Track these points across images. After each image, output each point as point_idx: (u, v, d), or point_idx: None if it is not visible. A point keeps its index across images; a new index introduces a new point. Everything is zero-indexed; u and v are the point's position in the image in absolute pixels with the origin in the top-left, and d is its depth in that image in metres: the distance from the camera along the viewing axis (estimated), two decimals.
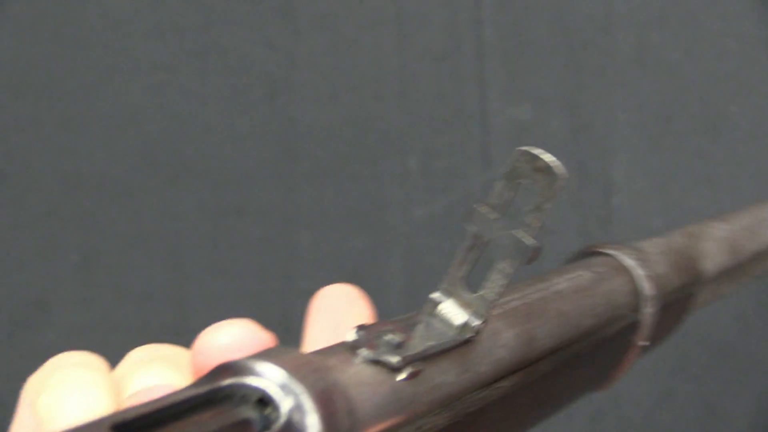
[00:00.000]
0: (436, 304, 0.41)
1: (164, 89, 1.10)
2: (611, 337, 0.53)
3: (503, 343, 0.43)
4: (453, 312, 0.41)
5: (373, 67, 1.08)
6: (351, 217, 1.08)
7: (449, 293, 0.41)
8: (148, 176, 1.10)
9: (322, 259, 1.07)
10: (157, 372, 0.40)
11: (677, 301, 0.61)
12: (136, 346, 0.44)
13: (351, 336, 0.37)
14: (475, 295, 0.40)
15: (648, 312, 0.56)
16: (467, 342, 0.40)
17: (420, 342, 0.39)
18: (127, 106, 1.10)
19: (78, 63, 1.10)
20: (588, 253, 0.57)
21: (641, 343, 0.56)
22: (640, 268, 0.56)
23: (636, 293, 0.55)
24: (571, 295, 0.49)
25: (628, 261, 0.56)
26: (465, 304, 0.41)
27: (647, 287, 0.56)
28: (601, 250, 0.57)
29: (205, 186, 1.10)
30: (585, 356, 0.50)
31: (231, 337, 0.40)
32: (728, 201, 1.04)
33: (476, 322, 0.40)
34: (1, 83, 1.11)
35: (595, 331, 0.51)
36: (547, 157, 0.40)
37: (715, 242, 0.68)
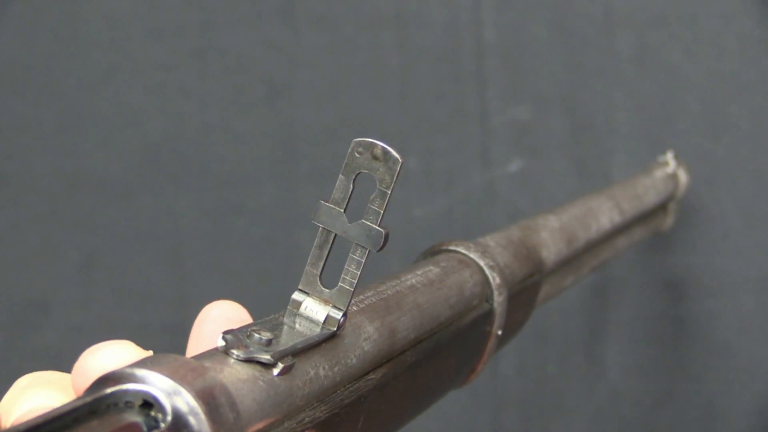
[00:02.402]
0: (298, 303, 0.42)
1: (164, 89, 1.10)
2: (468, 327, 0.55)
3: (366, 337, 0.44)
4: (315, 309, 0.42)
5: (373, 67, 1.08)
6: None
7: (309, 291, 0.42)
8: (148, 176, 1.10)
9: None
10: (41, 395, 0.41)
11: (524, 290, 0.63)
12: (136, 345, 0.44)
13: (220, 342, 0.39)
14: (332, 289, 0.42)
15: (498, 300, 0.57)
16: (333, 336, 0.42)
17: (288, 339, 0.40)
18: (127, 106, 1.10)
19: (78, 63, 1.10)
20: (433, 252, 0.59)
21: (497, 332, 0.58)
22: (483, 258, 0.58)
23: (484, 283, 0.57)
24: (423, 288, 0.51)
25: (472, 254, 0.58)
26: (324, 300, 0.42)
27: (493, 276, 0.58)
28: (445, 247, 0.58)
29: (205, 186, 1.10)
30: (446, 346, 0.52)
31: (110, 358, 0.41)
32: (728, 201, 1.04)
33: (337, 315, 0.42)
34: (1, 83, 1.11)
35: (452, 321, 0.53)
36: (383, 144, 0.41)
37: (550, 232, 0.70)
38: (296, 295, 0.42)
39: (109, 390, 0.34)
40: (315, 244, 0.42)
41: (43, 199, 1.11)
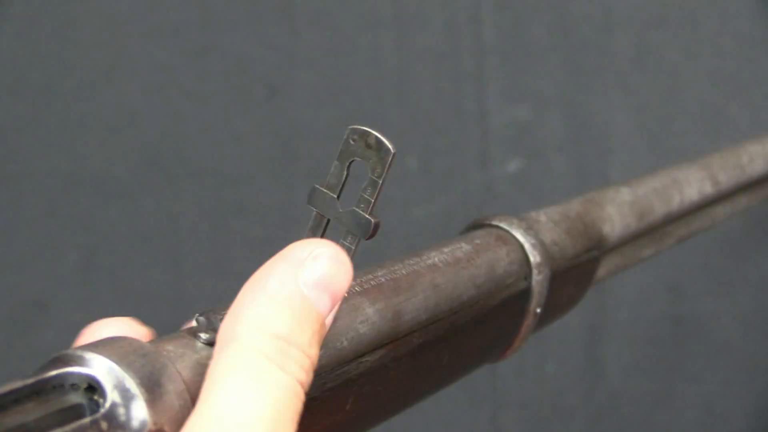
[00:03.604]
0: None
1: (164, 89, 1.10)
2: (498, 306, 0.53)
3: (363, 319, 0.44)
4: None
5: (373, 67, 1.08)
6: None
7: None
8: (148, 176, 1.10)
9: None
10: None
11: (576, 267, 0.60)
12: (138, 322, 0.44)
13: (194, 322, 0.39)
14: None
15: (537, 279, 0.55)
16: None
17: None
18: (127, 106, 1.10)
19: (78, 63, 1.10)
20: (475, 226, 0.57)
21: (535, 310, 0.56)
22: (525, 236, 0.56)
23: (523, 261, 0.55)
24: (445, 268, 0.50)
25: (515, 230, 0.56)
26: None
27: (534, 254, 0.56)
28: (488, 222, 0.56)
29: (205, 186, 1.10)
30: (468, 326, 0.50)
31: (110, 334, 0.40)
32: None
33: None
34: (1, 83, 1.11)
35: (476, 301, 0.51)
36: (377, 133, 0.41)
37: (618, 206, 0.66)
38: None
39: (54, 372, 0.34)
40: (308, 226, 0.42)
41: (43, 199, 1.11)
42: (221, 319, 0.39)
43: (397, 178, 1.08)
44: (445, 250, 0.51)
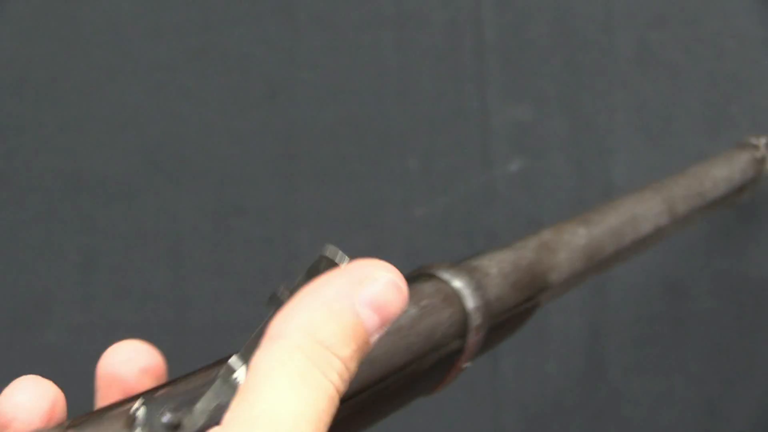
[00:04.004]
0: (232, 370, 0.41)
1: (164, 89, 1.10)
2: (427, 369, 0.53)
3: None
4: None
5: (373, 67, 1.08)
6: (351, 217, 1.08)
7: (244, 361, 0.41)
8: (148, 176, 1.10)
9: None
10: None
11: (514, 317, 0.60)
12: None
13: (134, 407, 0.38)
14: None
15: (473, 340, 0.55)
16: None
17: (200, 416, 0.39)
18: (127, 106, 1.10)
19: (78, 63, 1.10)
20: (426, 276, 0.55)
21: (465, 365, 0.55)
22: (473, 297, 0.55)
23: (462, 323, 0.54)
24: (386, 338, 0.48)
25: (464, 291, 0.55)
26: None
27: (476, 317, 0.55)
28: (436, 273, 0.55)
29: (205, 186, 1.10)
30: (392, 392, 0.50)
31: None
32: None
33: None
34: (1, 83, 1.11)
35: (407, 366, 0.51)
36: (346, 261, 0.41)
37: (570, 253, 0.66)
38: (232, 361, 0.41)
39: None
40: (263, 322, 0.41)
41: (43, 199, 1.11)
42: (160, 415, 0.39)
43: (398, 178, 1.08)
44: None
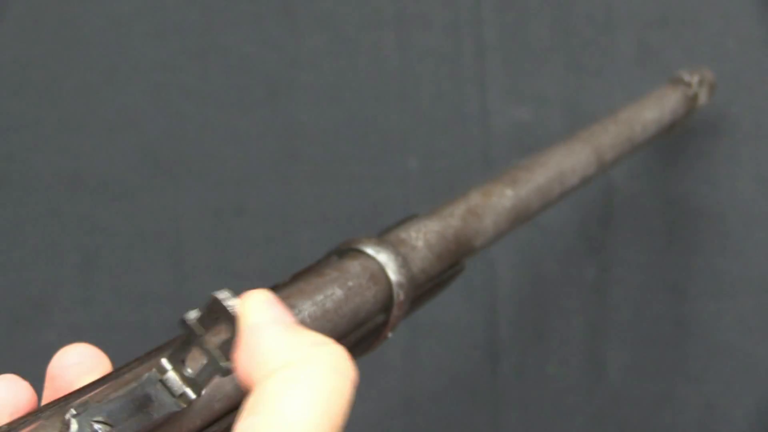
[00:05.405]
0: (164, 370, 0.42)
1: (164, 89, 1.10)
2: (352, 344, 0.53)
3: (221, 397, 0.44)
4: (175, 383, 0.42)
5: (373, 68, 1.08)
6: (351, 217, 1.08)
7: (174, 363, 0.42)
8: (148, 176, 1.10)
9: None
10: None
11: (438, 284, 0.60)
12: (136, 345, 0.45)
13: (69, 414, 0.38)
14: (193, 375, 0.42)
15: (396, 314, 0.56)
16: (180, 411, 0.42)
17: (131, 423, 0.40)
18: (127, 106, 1.10)
19: (78, 63, 1.10)
20: (354, 251, 0.56)
21: (388, 335, 0.56)
22: (398, 274, 0.55)
23: (387, 299, 0.55)
24: (312, 323, 0.50)
25: (389, 269, 0.55)
26: (185, 380, 0.42)
27: (399, 293, 0.55)
28: (362, 248, 0.56)
29: (205, 186, 1.10)
30: None
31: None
32: (728, 201, 1.04)
33: (192, 396, 0.41)
34: (1, 83, 1.11)
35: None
36: (232, 306, 0.41)
37: (496, 216, 0.65)
38: (164, 362, 0.41)
39: None
40: (185, 334, 0.41)
41: (43, 199, 1.11)
42: (95, 422, 0.39)
43: (398, 178, 1.08)
44: (318, 299, 0.52)
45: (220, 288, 0.42)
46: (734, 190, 1.04)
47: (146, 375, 0.42)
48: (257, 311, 0.40)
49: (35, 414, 0.40)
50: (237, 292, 0.41)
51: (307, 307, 0.51)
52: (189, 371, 0.41)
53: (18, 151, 1.11)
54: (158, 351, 0.44)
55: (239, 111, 1.09)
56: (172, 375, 0.42)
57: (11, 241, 1.11)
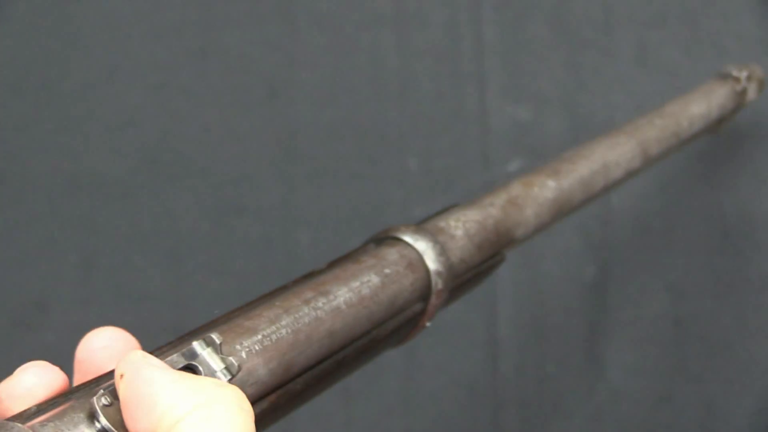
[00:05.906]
0: (195, 354, 0.43)
1: (164, 89, 1.10)
2: (389, 335, 0.53)
3: (253, 381, 0.44)
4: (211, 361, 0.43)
5: (373, 67, 1.08)
6: (351, 217, 1.08)
7: (200, 353, 0.43)
8: (148, 176, 1.10)
9: (322, 260, 1.07)
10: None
11: (477, 274, 0.60)
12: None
13: (98, 399, 0.39)
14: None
15: (434, 303, 0.55)
16: None
17: None
18: (127, 106, 1.10)
19: (77, 63, 1.10)
20: (391, 239, 0.56)
21: (426, 324, 0.56)
22: (436, 262, 0.55)
23: (425, 287, 0.55)
24: (347, 309, 0.50)
25: (427, 257, 0.55)
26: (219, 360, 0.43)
27: (438, 282, 0.55)
28: (401, 236, 0.55)
29: (205, 186, 1.10)
30: (353, 358, 0.51)
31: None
32: (728, 201, 1.04)
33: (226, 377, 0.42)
34: (1, 83, 1.11)
35: (368, 334, 0.51)
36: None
37: (539, 207, 0.64)
38: (105, 387, 0.41)
39: None
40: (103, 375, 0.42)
41: (43, 199, 1.11)
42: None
43: (398, 178, 1.08)
44: (354, 285, 0.51)
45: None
46: (734, 190, 1.04)
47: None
48: (141, 368, 0.40)
49: (65, 395, 0.40)
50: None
51: (343, 293, 0.50)
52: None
53: (17, 151, 1.11)
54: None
55: (238, 111, 1.09)
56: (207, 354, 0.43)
57: (11, 241, 1.11)
